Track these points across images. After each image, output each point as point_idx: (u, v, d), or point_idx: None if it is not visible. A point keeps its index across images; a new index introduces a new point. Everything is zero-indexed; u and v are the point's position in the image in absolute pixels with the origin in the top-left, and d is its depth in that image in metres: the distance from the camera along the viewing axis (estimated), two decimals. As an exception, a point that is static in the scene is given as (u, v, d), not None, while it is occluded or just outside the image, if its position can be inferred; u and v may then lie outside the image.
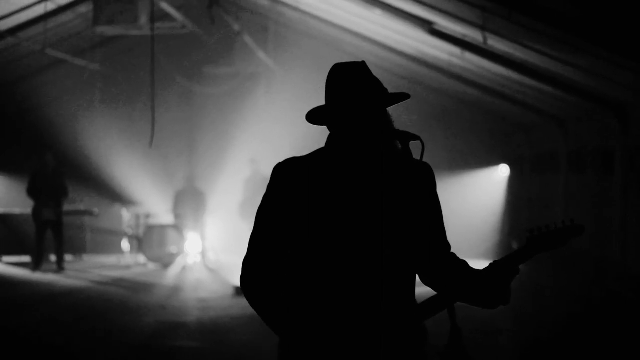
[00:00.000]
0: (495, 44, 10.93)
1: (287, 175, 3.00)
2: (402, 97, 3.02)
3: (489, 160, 17.27)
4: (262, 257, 2.99)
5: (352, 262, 2.90)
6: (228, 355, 8.43)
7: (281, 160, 3.05)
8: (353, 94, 2.95)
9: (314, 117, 3.05)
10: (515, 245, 16.11)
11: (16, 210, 16.75)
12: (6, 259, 16.44)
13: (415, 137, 2.94)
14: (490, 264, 3.07)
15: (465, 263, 3.14)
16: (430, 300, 3.06)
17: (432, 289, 3.16)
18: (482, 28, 10.05)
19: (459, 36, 11.50)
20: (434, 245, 3.10)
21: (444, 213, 3.16)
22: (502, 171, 17.31)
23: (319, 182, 2.95)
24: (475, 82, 14.77)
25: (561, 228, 3.11)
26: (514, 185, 17.08)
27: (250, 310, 9.79)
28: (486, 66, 12.82)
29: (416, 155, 2.97)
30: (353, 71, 3.00)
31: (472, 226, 16.63)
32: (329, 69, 3.05)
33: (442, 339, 2.98)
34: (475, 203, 16.98)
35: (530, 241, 3.12)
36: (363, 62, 3.04)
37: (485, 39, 10.25)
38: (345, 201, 2.93)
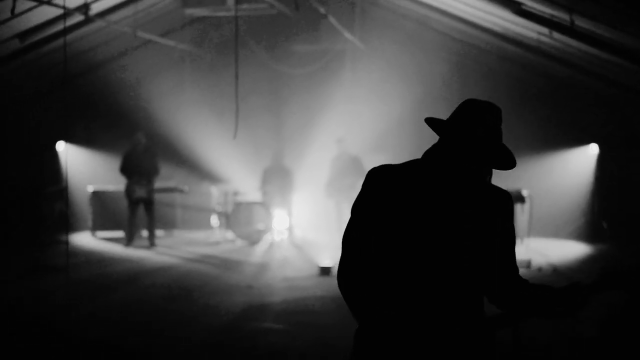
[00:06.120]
0: (584, 24, 10.72)
1: (378, 181, 3.25)
2: (512, 161, 3.19)
3: (578, 139, 16.92)
4: (351, 253, 3.26)
5: (411, 270, 3.11)
6: (312, 337, 8.55)
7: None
8: (481, 133, 3.15)
9: (431, 123, 3.25)
10: (605, 225, 15.82)
11: (110, 187, 17.27)
12: (100, 234, 17.02)
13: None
14: (571, 285, 3.13)
15: (527, 282, 3.22)
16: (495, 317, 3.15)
17: (498, 308, 3.28)
18: (570, 10, 9.89)
19: (547, 16, 11.32)
20: (501, 269, 3.19)
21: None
22: (591, 150, 16.97)
23: (404, 193, 3.17)
24: (564, 60, 14.50)
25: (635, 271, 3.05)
26: (603, 164, 16.72)
27: (334, 292, 9.74)
28: (575, 45, 12.59)
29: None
30: (490, 112, 3.19)
31: (561, 206, 16.40)
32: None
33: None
34: (564, 183, 16.69)
35: (602, 277, 3.12)
36: (499, 109, 3.23)
37: (572, 20, 10.08)
38: (421, 214, 3.13)
